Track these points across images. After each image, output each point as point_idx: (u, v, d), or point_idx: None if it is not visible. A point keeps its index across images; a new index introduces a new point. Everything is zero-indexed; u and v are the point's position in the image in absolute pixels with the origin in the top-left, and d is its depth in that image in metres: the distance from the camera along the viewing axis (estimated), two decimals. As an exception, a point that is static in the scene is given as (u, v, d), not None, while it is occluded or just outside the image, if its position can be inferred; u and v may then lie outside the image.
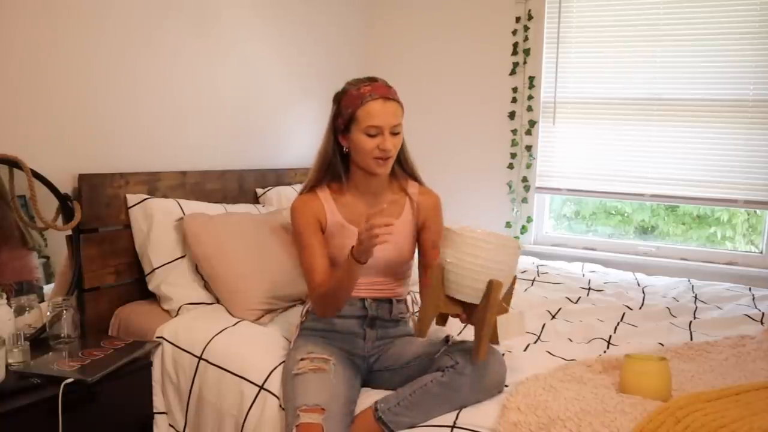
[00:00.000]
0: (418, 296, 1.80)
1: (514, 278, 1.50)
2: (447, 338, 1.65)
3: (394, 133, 1.63)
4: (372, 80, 1.66)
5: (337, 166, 1.70)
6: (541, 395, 1.45)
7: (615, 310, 2.29)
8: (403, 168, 1.78)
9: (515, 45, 3.21)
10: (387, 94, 1.62)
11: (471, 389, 1.47)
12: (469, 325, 1.51)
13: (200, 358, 1.82)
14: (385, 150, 1.61)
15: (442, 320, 1.58)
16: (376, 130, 1.60)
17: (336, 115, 1.67)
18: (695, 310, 2.29)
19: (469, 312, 1.47)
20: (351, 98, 1.63)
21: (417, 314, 1.84)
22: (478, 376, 1.48)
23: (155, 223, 2.13)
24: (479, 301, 1.42)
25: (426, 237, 1.77)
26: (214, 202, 2.41)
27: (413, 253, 1.80)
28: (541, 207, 3.34)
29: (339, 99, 1.67)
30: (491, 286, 1.37)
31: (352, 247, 1.51)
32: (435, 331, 1.71)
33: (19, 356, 1.66)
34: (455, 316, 1.51)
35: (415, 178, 1.80)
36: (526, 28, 3.18)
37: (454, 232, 1.43)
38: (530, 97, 3.21)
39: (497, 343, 1.47)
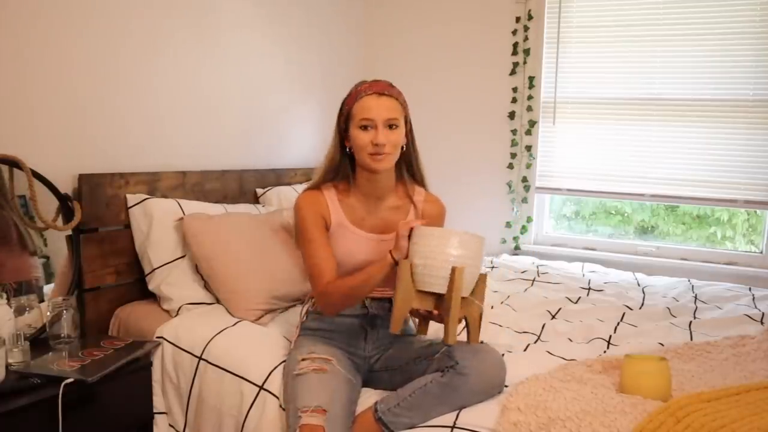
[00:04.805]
0: None
1: (485, 276, 1.53)
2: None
3: (390, 128, 1.61)
4: (375, 81, 1.66)
5: (345, 167, 1.70)
6: (541, 395, 1.46)
7: (615, 310, 2.28)
8: (412, 174, 1.75)
9: (515, 45, 3.21)
10: (383, 90, 1.62)
11: (471, 390, 1.47)
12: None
13: (200, 358, 1.82)
14: (379, 144, 1.58)
15: (424, 325, 1.58)
16: (368, 123, 1.59)
17: (339, 116, 1.68)
18: (695, 310, 2.29)
19: (440, 308, 1.49)
20: (350, 97, 1.65)
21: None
22: (478, 376, 1.48)
23: (155, 223, 2.13)
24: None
25: None
26: (214, 202, 2.41)
27: None
28: (541, 207, 3.34)
29: (343, 100, 1.68)
30: (454, 272, 1.43)
31: (390, 251, 1.52)
32: (435, 331, 1.71)
33: (19, 356, 1.66)
34: (427, 314, 1.52)
35: (423, 185, 1.78)
36: (526, 28, 3.18)
37: (419, 227, 1.48)
38: (530, 97, 3.21)
39: (477, 341, 1.53)
